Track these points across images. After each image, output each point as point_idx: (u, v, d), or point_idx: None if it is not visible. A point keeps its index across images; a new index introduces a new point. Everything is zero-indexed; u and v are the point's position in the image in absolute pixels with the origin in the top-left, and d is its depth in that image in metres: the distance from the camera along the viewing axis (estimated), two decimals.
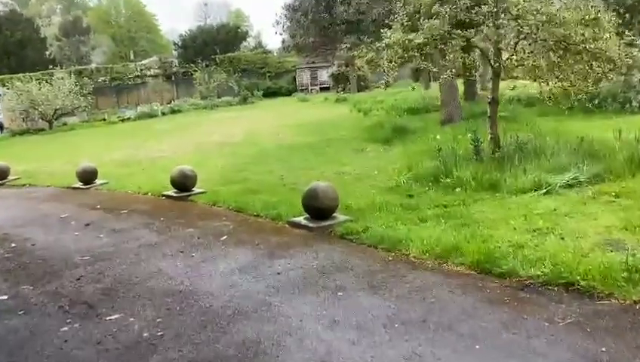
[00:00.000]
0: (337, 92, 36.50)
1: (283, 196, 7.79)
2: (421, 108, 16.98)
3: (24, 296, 4.64)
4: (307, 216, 6.31)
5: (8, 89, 28.81)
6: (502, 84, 17.33)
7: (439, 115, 13.72)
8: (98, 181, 11.03)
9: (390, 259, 4.79)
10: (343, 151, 11.74)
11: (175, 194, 8.73)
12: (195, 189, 8.87)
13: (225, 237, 5.99)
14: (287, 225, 6.36)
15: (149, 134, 20.78)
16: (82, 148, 18.29)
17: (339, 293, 4.05)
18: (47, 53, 54.38)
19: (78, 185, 10.93)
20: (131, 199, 9.12)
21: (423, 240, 4.96)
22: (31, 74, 35.59)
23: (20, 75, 29.81)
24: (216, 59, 41.51)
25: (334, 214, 6.20)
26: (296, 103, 32.41)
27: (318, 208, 6.07)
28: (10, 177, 12.85)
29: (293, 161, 11.22)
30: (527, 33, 6.95)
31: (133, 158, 14.20)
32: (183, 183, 8.73)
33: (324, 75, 42.08)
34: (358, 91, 33.69)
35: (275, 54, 47.88)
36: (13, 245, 6.48)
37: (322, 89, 41.33)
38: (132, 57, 54.52)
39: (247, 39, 54.54)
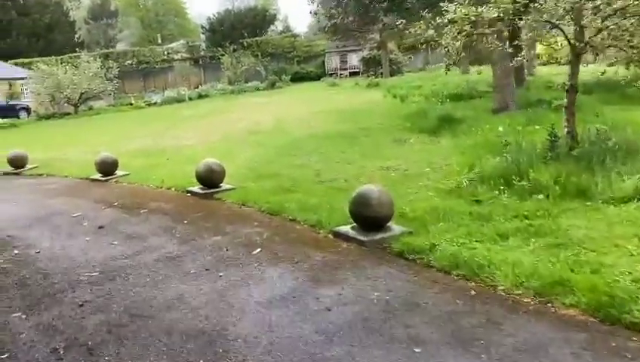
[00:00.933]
0: (368, 76, 35.20)
1: (321, 197, 6.76)
2: (465, 95, 15.67)
3: (13, 329, 3.74)
4: (354, 224, 5.27)
5: (35, 72, 28.39)
6: (547, 70, 15.80)
7: (491, 102, 12.44)
8: (118, 172, 10.19)
9: (473, 293, 3.72)
10: (383, 142, 10.61)
11: (201, 191, 7.79)
12: (223, 185, 7.91)
13: (258, 251, 4.99)
14: (330, 236, 5.32)
15: (175, 120, 19.96)
16: (106, 135, 17.57)
17: (416, 349, 3.01)
18: (76, 36, 54.21)
19: (97, 176, 10.12)
20: (153, 195, 8.22)
21: (512, 267, 3.87)
22: (58, 57, 35.29)
23: (44, 58, 29.32)
24: (244, 43, 40.51)
25: (388, 224, 5.14)
26: (326, 88, 31.23)
27: (370, 217, 5.02)
28: (28, 166, 12.15)
29: (329, 152, 10.16)
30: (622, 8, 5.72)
31: (157, 147, 13.35)
32: (210, 179, 7.78)
33: (354, 59, 40.71)
34: (391, 76, 32.27)
35: (303, 38, 46.68)
36: (15, 252, 5.61)
37: (352, 74, 40.00)
38: (159, 41, 53.99)
39: (275, 23, 53.35)
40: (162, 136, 15.47)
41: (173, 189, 8.40)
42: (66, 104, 28.35)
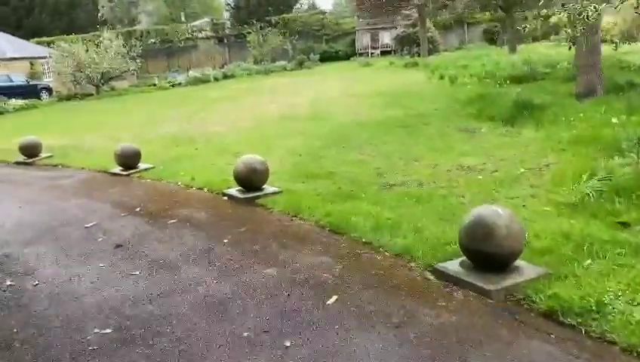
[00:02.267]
0: (402, 55, 33.25)
1: (396, 208, 5.28)
2: (527, 76, 13.90)
3: None
4: (463, 259, 3.79)
5: (55, 51, 27.25)
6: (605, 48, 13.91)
7: (566, 84, 10.73)
8: (141, 165, 8.85)
9: None
10: (449, 132, 9.05)
11: (240, 195, 6.36)
12: (267, 187, 6.48)
13: (334, 300, 3.54)
14: (430, 276, 3.83)
15: (202, 103, 18.58)
16: (128, 119, 16.29)
17: None
18: (99, 14, 53.08)
19: (117, 170, 8.80)
20: (182, 197, 6.83)
21: None
22: (81, 35, 34.12)
23: (66, 36, 28.10)
24: (271, 20, 38.78)
25: (516, 263, 3.64)
26: (358, 68, 29.49)
27: (492, 254, 3.53)
28: (41, 155, 10.89)
29: (386, 145, 8.64)
30: None
31: (184, 134, 11.98)
32: (251, 180, 6.35)
33: (386, 38, 38.70)
34: (429, 55, 30.31)
35: (332, 15, 44.72)
36: (7, 283, 4.28)
37: (383, 52, 38.04)
38: (183, 19, 52.48)
39: (299, 1, 51.34)
40: (189, 121, 14.10)
41: (205, 190, 6.99)
42: (88, 84, 27.18)
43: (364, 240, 4.59)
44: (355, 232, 4.75)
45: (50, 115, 21.14)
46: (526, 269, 3.61)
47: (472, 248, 3.60)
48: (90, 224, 5.77)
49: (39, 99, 27.51)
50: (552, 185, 5.45)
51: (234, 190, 6.53)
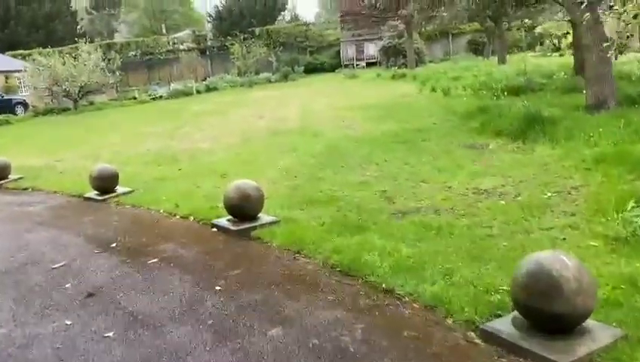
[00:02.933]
0: (388, 66, 32.80)
1: (415, 242, 4.57)
2: (524, 87, 13.38)
3: None
4: (514, 314, 3.09)
5: (31, 64, 26.20)
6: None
7: (568, 95, 10.21)
8: (119, 188, 8.02)
9: None
10: (453, 149, 8.40)
11: (232, 226, 5.58)
12: (262, 215, 5.72)
13: None
14: (478, 340, 3.09)
15: (185, 117, 17.78)
16: (106, 135, 15.40)
17: None
18: (78, 27, 51.82)
19: (93, 194, 7.96)
20: (165, 228, 6.04)
21: None
22: (59, 48, 33.03)
23: (43, 49, 26.94)
24: (255, 31, 38.17)
25: (585, 323, 2.94)
26: (345, 80, 28.95)
27: (560, 316, 2.82)
28: (11, 176, 9.97)
29: (388, 163, 7.96)
30: None
31: (166, 152, 11.17)
32: (244, 209, 5.58)
33: (371, 49, 38.36)
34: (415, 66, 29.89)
35: (316, 27, 44.28)
36: None
37: (369, 64, 37.66)
38: (164, 32, 51.60)
39: (282, 13, 50.79)
40: (171, 137, 13.30)
41: (191, 219, 6.21)
42: (64, 98, 26.15)
43: (384, 286, 3.85)
44: (371, 275, 4.02)
45: (24, 131, 20.13)
46: (597, 331, 2.91)
47: (532, 306, 2.88)
48: (58, 264, 4.95)
49: (14, 114, 26.42)
50: (590, 213, 4.79)
51: (224, 220, 5.76)
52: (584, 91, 10.80)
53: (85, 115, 23.35)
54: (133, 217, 6.66)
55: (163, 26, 55.59)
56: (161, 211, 6.72)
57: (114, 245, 5.45)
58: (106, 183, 7.93)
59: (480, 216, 5.16)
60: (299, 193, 6.73)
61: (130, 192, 7.95)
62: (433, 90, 16.92)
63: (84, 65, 25.26)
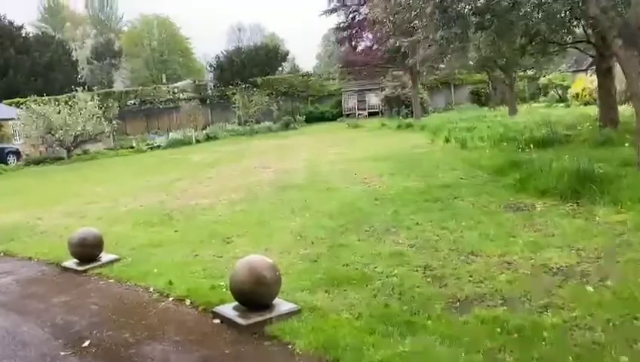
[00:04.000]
0: (391, 116, 32.16)
1: (498, 356, 3.32)
2: (550, 139, 12.37)
3: None
4: None
5: (24, 111, 25.35)
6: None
7: (628, 151, 9.15)
8: (104, 256, 6.79)
9: None
10: (494, 211, 7.22)
11: (241, 319, 4.30)
12: (278, 301, 4.47)
13: None
14: None
15: (183, 169, 16.69)
16: (96, 188, 14.23)
17: None
18: (79, 76, 51.62)
19: (73, 263, 6.72)
20: (154, 316, 4.76)
21: None
22: (55, 97, 32.37)
23: (38, 97, 26.11)
24: (257, 81, 37.77)
25: None
26: (348, 129, 28.19)
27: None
28: None
29: (420, 226, 6.76)
30: None
31: (161, 209, 9.97)
32: (257, 295, 4.33)
33: (373, 99, 37.95)
34: None
35: (317, 77, 44.03)
36: None
37: (371, 114, 37.13)
38: (164, 81, 51.41)
39: (283, 64, 50.79)
40: (167, 192, 12.13)
41: (187, 302, 4.94)
42: (58, 148, 25.16)
43: None
44: None
45: (12, 182, 19.00)
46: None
47: None
48: None
49: (5, 163, 25.38)
50: None
51: (230, 308, 4.50)
52: (626, 145, 9.83)
53: (78, 166, 22.27)
54: (115, 299, 5.38)
55: (164, 75, 55.54)
56: (151, 290, 5.46)
57: (87, 344, 4.17)
58: (88, 250, 6.69)
59: (569, 309, 3.92)
60: (320, 267, 5.50)
61: (116, 261, 6.71)
62: (447, 140, 15.94)
63: (80, 113, 24.39)
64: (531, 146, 11.68)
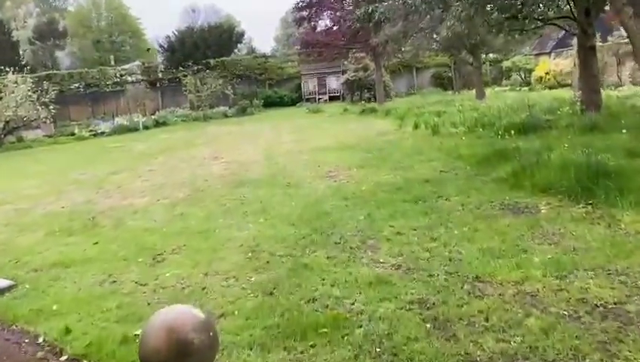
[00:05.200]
0: (353, 100, 30.80)
1: None
2: (530, 125, 11.24)
3: None
4: None
5: None
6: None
7: (628, 139, 8.03)
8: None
9: None
10: (493, 215, 5.90)
11: None
12: None
13: None
14: None
15: (123, 159, 14.81)
16: (18, 184, 12.24)
17: None
18: (20, 58, 47.80)
19: None
20: None
21: None
22: None
23: None
24: (210, 63, 35.57)
25: None
26: (309, 115, 26.60)
27: None
28: None
29: (402, 237, 5.38)
30: None
31: (86, 211, 8.25)
32: None
33: (333, 83, 36.39)
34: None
35: (274, 60, 42.06)
36: None
37: (331, 98, 35.63)
38: (113, 63, 48.28)
39: (238, 45, 48.46)
40: (98, 188, 10.36)
41: None
42: None
43: None
44: None
45: None
46: None
47: None
48: None
49: None
50: None
51: None
52: (623, 131, 8.75)
53: (6, 156, 19.91)
54: None
55: (112, 57, 52.28)
56: (41, 340, 3.88)
57: None
58: None
59: None
60: (277, 305, 4.02)
61: (8, 289, 5.07)
62: (416, 126, 14.67)
63: (11, 96, 21.91)
64: (512, 133, 10.50)
